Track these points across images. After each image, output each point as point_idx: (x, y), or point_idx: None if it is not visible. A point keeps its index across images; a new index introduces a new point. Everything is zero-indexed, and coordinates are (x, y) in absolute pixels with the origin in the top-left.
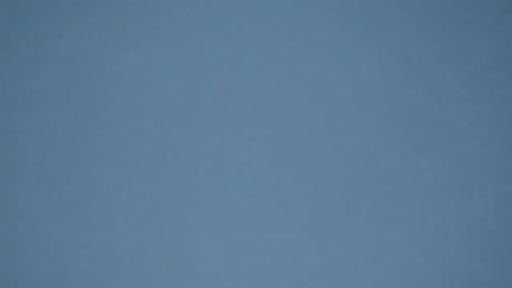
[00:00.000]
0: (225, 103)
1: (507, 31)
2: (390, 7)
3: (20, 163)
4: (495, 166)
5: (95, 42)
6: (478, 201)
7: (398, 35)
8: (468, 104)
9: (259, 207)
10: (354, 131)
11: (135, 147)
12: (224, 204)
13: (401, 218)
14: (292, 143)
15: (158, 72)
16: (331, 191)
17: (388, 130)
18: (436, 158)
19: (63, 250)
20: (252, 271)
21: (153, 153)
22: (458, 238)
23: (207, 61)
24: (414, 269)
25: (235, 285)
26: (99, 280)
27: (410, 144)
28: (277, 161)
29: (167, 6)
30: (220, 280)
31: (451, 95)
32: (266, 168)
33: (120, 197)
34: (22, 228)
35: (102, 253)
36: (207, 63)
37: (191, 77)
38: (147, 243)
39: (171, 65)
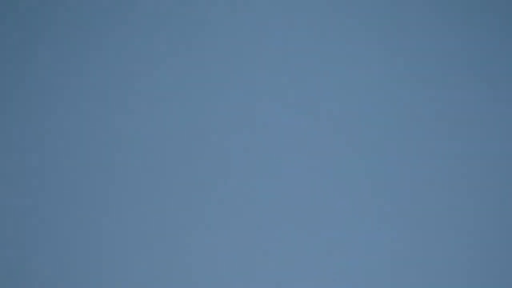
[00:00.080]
0: (225, 103)
1: (507, 31)
2: (391, 7)
3: (20, 163)
4: (495, 166)
5: (95, 42)
6: (478, 201)
7: (398, 35)
8: (468, 104)
9: (259, 207)
10: (355, 131)
11: (135, 147)
12: (224, 205)
13: (401, 218)
14: (292, 143)
15: (158, 72)
16: (330, 192)
17: (388, 130)
18: (436, 158)
19: (63, 250)
20: (252, 272)
21: (153, 153)
22: (458, 238)
23: (207, 61)
24: (414, 269)
25: (235, 285)
26: (99, 280)
27: (410, 144)
28: (277, 161)
29: (167, 6)
30: (220, 280)
31: (451, 95)
32: (266, 168)
33: (119, 197)
34: (22, 228)
35: (102, 253)
36: (207, 63)
37: (191, 77)
38: (147, 243)
39: (171, 65)
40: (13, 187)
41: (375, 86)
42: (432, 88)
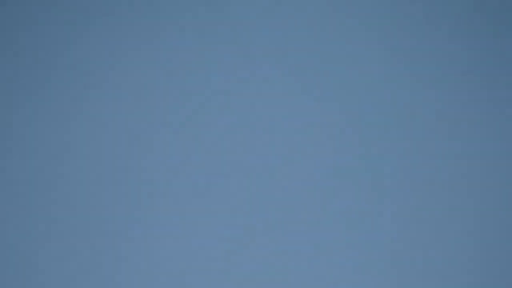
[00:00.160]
0: (225, 104)
1: (507, 31)
2: (390, 7)
3: (20, 163)
4: (495, 166)
5: (94, 42)
6: (478, 201)
7: (398, 35)
8: (468, 104)
9: (258, 207)
10: (355, 131)
11: (135, 147)
12: (224, 205)
13: (401, 218)
14: (291, 144)
15: (158, 73)
16: (330, 192)
17: (388, 130)
18: (436, 158)
19: (62, 250)
20: (252, 272)
21: (152, 153)
22: (458, 238)
23: (206, 61)
24: (414, 269)
25: (235, 285)
26: (99, 280)
27: (410, 144)
28: (277, 161)
29: (167, 6)
30: (221, 280)
31: (450, 95)
32: (265, 168)
33: (119, 198)
34: (22, 228)
35: (102, 254)
36: (207, 63)
37: (191, 77)
38: (146, 243)
39: (170, 65)
40: (13, 187)
41: (375, 86)
42: (432, 88)
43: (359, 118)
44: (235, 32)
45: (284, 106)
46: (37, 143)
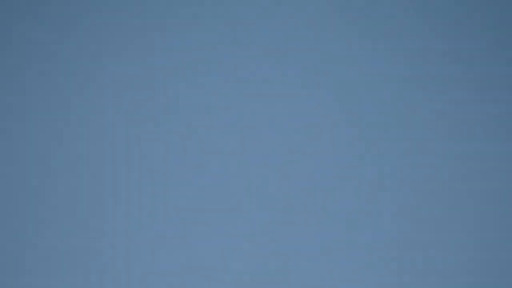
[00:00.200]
0: (224, 103)
1: (507, 31)
2: (390, 6)
3: (20, 163)
4: (495, 166)
5: (94, 42)
6: (478, 201)
7: (398, 35)
8: (468, 104)
9: (258, 207)
10: (354, 131)
11: (135, 147)
12: (223, 205)
13: (401, 219)
14: (291, 144)
15: (157, 73)
16: (330, 192)
17: (388, 130)
18: (436, 158)
19: (62, 250)
20: (251, 272)
21: (152, 153)
22: (458, 238)
23: (205, 61)
24: (414, 270)
25: (234, 285)
26: (99, 280)
27: (410, 144)
28: (277, 161)
29: (167, 6)
30: (220, 281)
31: (450, 95)
32: (265, 169)
33: (118, 198)
34: (22, 228)
35: (102, 254)
36: (206, 63)
37: (191, 77)
38: (146, 243)
39: (170, 64)
40: (13, 187)
41: (374, 86)
42: (432, 88)
43: (359, 118)
44: (234, 32)
45: (284, 106)
46: (36, 143)
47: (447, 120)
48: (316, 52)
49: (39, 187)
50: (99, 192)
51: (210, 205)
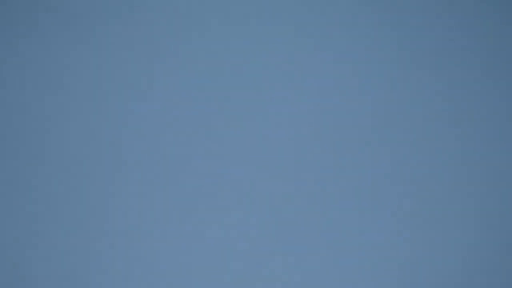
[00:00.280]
0: (223, 102)
1: (507, 31)
2: (391, 7)
3: (20, 163)
4: (495, 166)
5: (95, 40)
6: (478, 202)
7: (398, 35)
8: (468, 104)
9: (258, 207)
10: (354, 131)
11: (134, 147)
12: (223, 205)
13: (402, 218)
14: (290, 144)
15: (157, 73)
16: (330, 192)
17: (388, 130)
18: (436, 158)
19: (62, 250)
20: (251, 273)
21: (151, 153)
22: (458, 238)
23: (205, 60)
24: (414, 269)
25: (233, 285)
26: (99, 281)
27: (409, 144)
28: (276, 162)
29: (167, 6)
30: (220, 281)
31: (451, 95)
32: (265, 168)
33: (119, 198)
34: (22, 228)
35: (102, 253)
36: (205, 63)
37: (192, 77)
38: (145, 243)
39: (169, 64)
40: (13, 187)
41: (374, 86)
42: (433, 88)
43: (359, 118)
44: (233, 31)
45: (284, 106)
46: (37, 142)
47: (447, 120)
48: (315, 52)
49: (38, 187)
50: (99, 192)
51: (210, 205)
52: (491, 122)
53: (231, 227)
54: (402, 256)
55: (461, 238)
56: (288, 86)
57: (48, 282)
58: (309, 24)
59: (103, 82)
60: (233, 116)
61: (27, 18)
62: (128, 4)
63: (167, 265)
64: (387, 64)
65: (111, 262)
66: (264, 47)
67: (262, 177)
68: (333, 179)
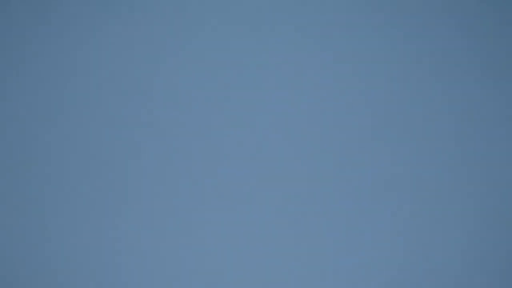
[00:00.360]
0: (222, 102)
1: (507, 31)
2: (391, 7)
3: (20, 163)
4: (495, 166)
5: (93, 40)
6: (478, 201)
7: (398, 35)
8: (468, 104)
9: (257, 207)
10: (354, 131)
11: (134, 147)
12: (223, 206)
13: (401, 219)
14: (290, 144)
15: (157, 73)
16: (330, 192)
17: (388, 130)
18: (437, 158)
19: (62, 250)
20: (251, 272)
21: (151, 153)
22: (458, 238)
23: (204, 61)
24: (414, 269)
25: (232, 285)
26: (99, 281)
27: (409, 144)
28: (276, 162)
29: (167, 6)
30: (219, 281)
31: (451, 95)
32: (265, 169)
33: (117, 198)
34: (22, 227)
35: (102, 253)
36: (204, 63)
37: (192, 77)
38: (145, 243)
39: (168, 64)
40: (13, 187)
41: (374, 86)
42: (433, 88)
43: (359, 118)
44: (233, 31)
45: (284, 106)
46: (37, 142)
47: (447, 120)
48: (315, 52)
49: (39, 187)
50: (98, 192)
51: (210, 205)
52: (492, 122)
53: (231, 227)
54: (402, 256)
55: (461, 238)
56: (288, 86)
57: (48, 282)
58: (309, 24)
59: (103, 82)
60: (233, 116)
61: (27, 18)
62: (128, 4)
63: (167, 265)
64: (387, 64)
65: (111, 262)
66: (264, 47)
67: (262, 177)
68: (333, 179)
